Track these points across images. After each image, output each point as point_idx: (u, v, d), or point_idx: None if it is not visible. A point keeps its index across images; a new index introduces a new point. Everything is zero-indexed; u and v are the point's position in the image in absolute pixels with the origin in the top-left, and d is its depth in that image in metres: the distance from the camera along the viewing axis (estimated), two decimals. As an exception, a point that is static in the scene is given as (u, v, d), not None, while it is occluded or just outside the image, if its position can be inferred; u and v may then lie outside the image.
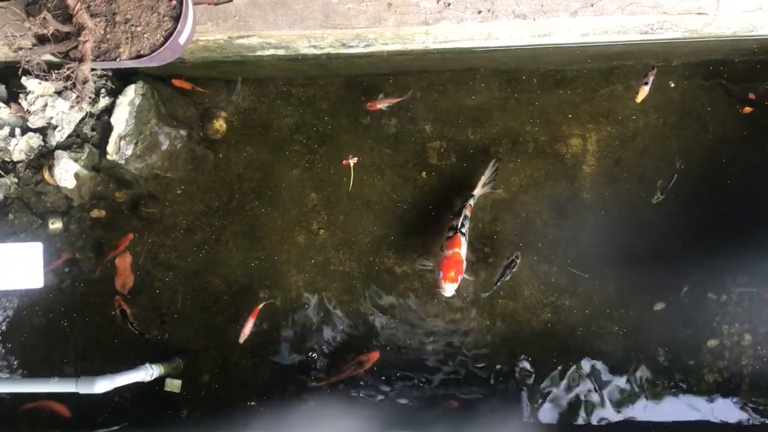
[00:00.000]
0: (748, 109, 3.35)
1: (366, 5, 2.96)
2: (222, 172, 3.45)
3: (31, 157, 3.26)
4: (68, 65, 2.55)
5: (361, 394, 3.28)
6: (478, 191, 3.27)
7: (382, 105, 3.36)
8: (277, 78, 3.49)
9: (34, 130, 3.25)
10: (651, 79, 3.17)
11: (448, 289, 2.97)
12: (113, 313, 3.27)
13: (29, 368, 3.34)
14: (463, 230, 3.09)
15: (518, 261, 3.22)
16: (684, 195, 3.33)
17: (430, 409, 3.27)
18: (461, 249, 3.04)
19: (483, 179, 3.28)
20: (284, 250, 3.40)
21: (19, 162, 3.26)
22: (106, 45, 2.64)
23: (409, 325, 3.34)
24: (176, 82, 3.38)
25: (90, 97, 2.70)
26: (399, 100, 3.37)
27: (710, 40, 3.16)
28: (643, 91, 3.18)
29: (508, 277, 3.20)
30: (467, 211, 3.17)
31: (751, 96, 3.35)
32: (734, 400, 3.26)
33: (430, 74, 3.46)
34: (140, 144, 3.35)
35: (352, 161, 3.20)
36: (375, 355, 3.25)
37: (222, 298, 3.38)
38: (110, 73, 3.29)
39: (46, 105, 3.18)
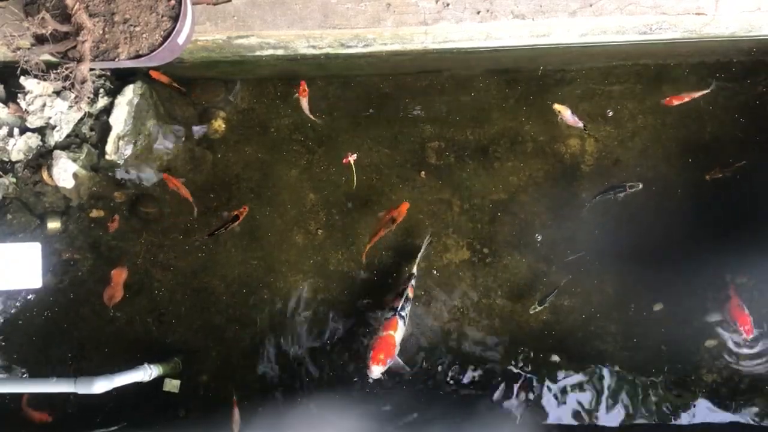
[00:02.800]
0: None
1: (365, 5, 2.96)
2: (221, 172, 3.45)
3: (30, 157, 3.26)
4: (67, 65, 2.56)
5: (360, 394, 3.28)
6: (416, 269, 3.24)
7: (303, 103, 3.20)
8: (276, 78, 3.49)
9: (33, 130, 3.25)
10: (580, 124, 3.16)
11: (375, 372, 2.91)
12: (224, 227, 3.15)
13: (28, 368, 3.33)
14: (403, 313, 3.05)
15: (628, 190, 3.19)
16: (683, 195, 3.34)
17: (429, 408, 3.27)
18: (396, 332, 3.00)
19: (419, 255, 3.26)
20: (283, 250, 3.40)
21: (17, 162, 3.26)
22: (104, 45, 2.64)
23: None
24: (154, 74, 3.34)
25: (88, 97, 2.71)
26: (310, 117, 3.27)
27: (709, 41, 3.17)
28: (566, 116, 3.15)
29: (618, 196, 3.20)
30: (410, 293, 3.14)
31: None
32: (732, 401, 3.27)
33: (429, 74, 3.46)
34: (139, 144, 3.35)
35: (352, 158, 3.19)
36: (405, 206, 3.16)
37: (221, 299, 3.37)
38: (109, 73, 3.29)
39: (44, 105, 3.17)
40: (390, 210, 3.17)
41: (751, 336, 3.08)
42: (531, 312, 3.22)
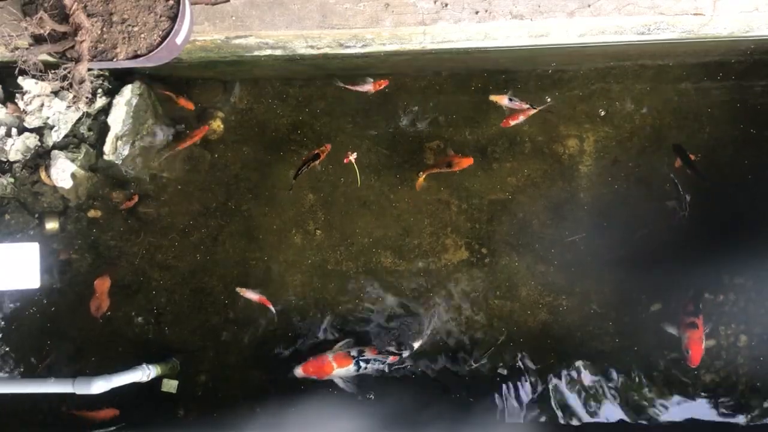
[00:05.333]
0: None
1: (363, 5, 2.96)
2: (219, 173, 3.45)
3: (28, 157, 3.25)
4: (65, 65, 2.55)
5: (359, 394, 3.28)
6: (417, 346, 3.25)
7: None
8: (275, 78, 3.49)
9: (31, 130, 3.24)
10: (526, 106, 3.17)
11: (297, 373, 3.12)
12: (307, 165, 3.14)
13: (26, 369, 3.33)
14: (363, 364, 3.13)
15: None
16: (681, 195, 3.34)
17: (428, 408, 3.27)
18: (340, 369, 3.11)
19: (424, 335, 3.28)
20: (281, 250, 3.40)
21: (15, 162, 3.25)
22: (103, 45, 2.63)
23: (405, 325, 3.34)
24: (182, 102, 3.37)
25: (87, 97, 2.70)
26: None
27: (707, 41, 3.16)
28: (504, 103, 3.16)
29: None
30: (391, 359, 3.18)
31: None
32: (731, 400, 3.27)
33: (428, 74, 3.46)
34: (137, 144, 3.34)
35: (352, 157, 3.19)
36: (467, 162, 3.19)
37: (219, 299, 3.37)
38: (107, 73, 3.29)
39: (42, 105, 3.17)
40: (456, 156, 3.20)
41: (694, 366, 3.07)
42: (468, 369, 3.26)
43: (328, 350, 3.18)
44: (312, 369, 3.13)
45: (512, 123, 3.23)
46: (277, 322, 3.35)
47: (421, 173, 3.32)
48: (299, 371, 3.14)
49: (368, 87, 3.27)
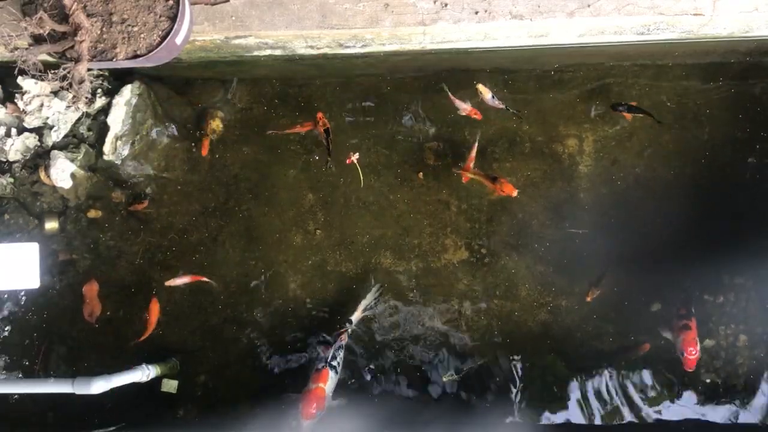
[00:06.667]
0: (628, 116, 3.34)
1: (363, 5, 2.96)
2: (218, 173, 3.45)
3: (27, 158, 3.25)
4: (65, 65, 2.55)
5: (358, 394, 3.28)
6: (356, 317, 3.20)
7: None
8: (274, 78, 3.49)
9: (30, 130, 3.24)
10: (502, 105, 3.16)
11: (306, 426, 2.93)
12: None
13: (26, 368, 3.33)
14: (334, 363, 3.02)
15: None
16: (681, 195, 3.34)
17: (428, 408, 3.27)
18: (327, 384, 2.97)
19: (364, 303, 3.24)
20: (281, 250, 3.40)
21: (15, 162, 3.26)
22: (102, 45, 2.63)
23: (404, 325, 3.34)
24: (204, 148, 3.38)
25: (86, 98, 2.70)
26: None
27: (706, 41, 3.17)
28: (486, 98, 3.15)
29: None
30: (342, 341, 3.10)
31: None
32: (730, 400, 3.27)
33: (427, 74, 3.46)
34: (137, 144, 3.34)
35: (354, 158, 3.19)
36: (511, 191, 3.06)
37: (218, 299, 3.37)
38: (107, 73, 3.29)
39: (42, 105, 3.17)
40: (503, 181, 3.11)
41: (690, 371, 3.05)
42: (445, 379, 3.26)
43: (305, 383, 3.04)
44: (314, 405, 2.92)
45: (469, 174, 3.23)
46: (276, 322, 3.35)
47: (463, 168, 3.23)
48: (305, 423, 2.92)
49: (466, 107, 3.23)
